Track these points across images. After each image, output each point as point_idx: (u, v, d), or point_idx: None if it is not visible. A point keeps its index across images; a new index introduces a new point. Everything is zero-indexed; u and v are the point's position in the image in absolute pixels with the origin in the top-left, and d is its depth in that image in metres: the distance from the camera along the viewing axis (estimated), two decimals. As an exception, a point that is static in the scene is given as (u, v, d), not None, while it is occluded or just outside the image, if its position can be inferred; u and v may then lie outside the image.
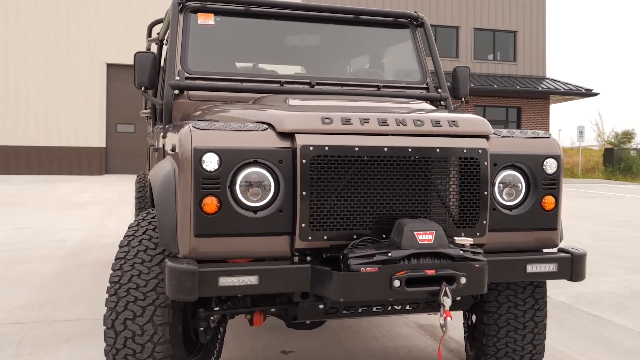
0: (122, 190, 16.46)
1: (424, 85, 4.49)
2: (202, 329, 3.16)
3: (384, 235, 2.89)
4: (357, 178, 2.86)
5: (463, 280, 2.73)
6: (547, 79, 28.98)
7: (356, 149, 2.85)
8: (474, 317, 3.64)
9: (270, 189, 2.82)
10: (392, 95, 4.21)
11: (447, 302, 2.69)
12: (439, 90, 4.49)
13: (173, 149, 3.01)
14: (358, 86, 4.30)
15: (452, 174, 2.98)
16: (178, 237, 2.79)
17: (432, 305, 3.14)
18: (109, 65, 23.35)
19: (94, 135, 23.37)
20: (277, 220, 2.81)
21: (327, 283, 2.71)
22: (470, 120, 3.09)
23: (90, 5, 23.12)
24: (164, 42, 5.74)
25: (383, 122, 2.95)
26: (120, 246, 3.10)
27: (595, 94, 28.05)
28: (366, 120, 2.93)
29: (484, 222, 3.02)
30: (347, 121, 2.90)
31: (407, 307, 3.14)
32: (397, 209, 2.91)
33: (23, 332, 4.48)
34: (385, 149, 2.88)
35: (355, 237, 2.87)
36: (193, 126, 2.81)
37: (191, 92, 4.00)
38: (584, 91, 28.08)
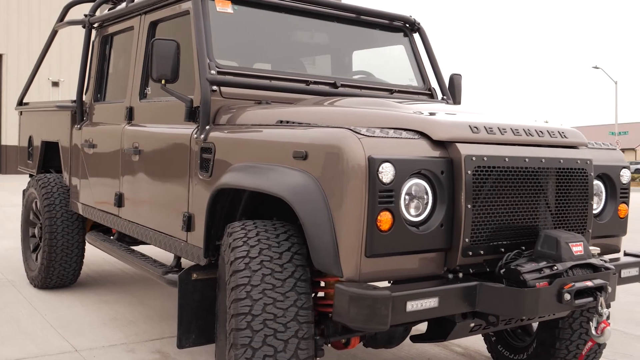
0: None
1: (428, 91, 4.49)
2: (319, 359, 2.81)
3: (522, 247, 2.84)
4: (506, 189, 2.77)
5: (609, 289, 2.79)
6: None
7: (506, 159, 2.75)
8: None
9: (428, 202, 2.61)
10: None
11: (605, 312, 2.73)
12: (444, 97, 4.52)
13: (304, 156, 2.63)
14: (374, 89, 4.15)
15: (569, 184, 3.01)
16: (341, 257, 2.46)
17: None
18: None
19: None
20: (438, 235, 2.61)
21: (503, 300, 2.58)
22: (572, 131, 3.16)
23: None
24: (95, 24, 5.00)
25: (516, 131, 2.89)
26: (237, 270, 2.64)
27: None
28: (504, 130, 2.85)
29: (589, 230, 3.12)
30: (490, 130, 2.80)
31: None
32: (535, 220, 2.87)
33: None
34: (526, 160, 2.83)
35: (502, 250, 2.77)
36: (355, 132, 2.49)
37: (224, 89, 3.52)
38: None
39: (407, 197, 2.54)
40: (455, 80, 4.57)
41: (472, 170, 2.62)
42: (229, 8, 3.78)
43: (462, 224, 2.61)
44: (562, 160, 2.96)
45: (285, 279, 2.60)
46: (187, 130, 3.54)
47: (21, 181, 17.77)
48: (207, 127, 3.38)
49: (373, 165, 2.41)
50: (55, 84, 21.58)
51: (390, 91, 4.22)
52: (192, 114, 3.47)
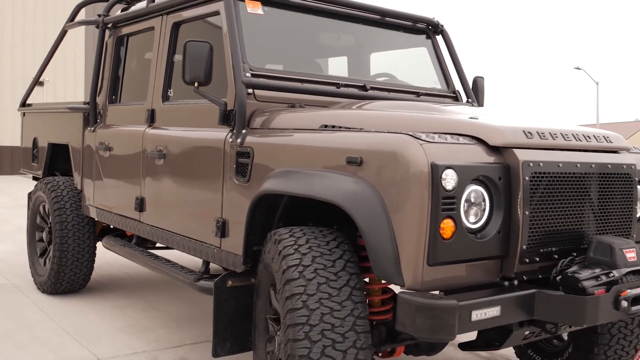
0: None
1: (453, 94, 4.45)
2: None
3: (574, 254, 2.80)
4: (559, 194, 2.73)
5: (659, 295, 2.77)
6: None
7: (559, 165, 2.72)
8: None
9: (485, 209, 2.57)
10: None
11: (658, 319, 2.71)
12: (469, 99, 4.49)
13: (358, 162, 2.57)
14: (402, 92, 4.11)
15: (615, 189, 2.99)
16: (403, 266, 2.41)
17: None
18: None
19: None
20: (496, 242, 2.57)
21: (563, 308, 2.55)
22: (616, 135, 3.14)
23: None
24: (109, 24, 4.90)
25: (566, 136, 2.87)
26: (291, 279, 2.58)
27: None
28: (555, 135, 2.82)
29: (634, 235, 3.10)
30: (543, 135, 2.76)
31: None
32: (585, 225, 2.84)
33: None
34: (578, 165, 2.80)
35: (555, 256, 2.74)
36: (416, 137, 2.44)
37: (258, 92, 3.45)
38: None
39: (466, 203, 2.49)
40: (478, 82, 4.54)
41: (529, 176, 2.59)
42: (259, 9, 3.71)
43: (519, 231, 2.57)
44: (609, 165, 2.94)
45: (340, 287, 2.55)
46: (220, 133, 3.46)
47: (5, 182, 17.47)
48: (244, 131, 3.31)
49: (436, 171, 2.36)
50: (40, 83, 21.23)
51: (417, 94, 4.18)
52: (226, 118, 3.39)
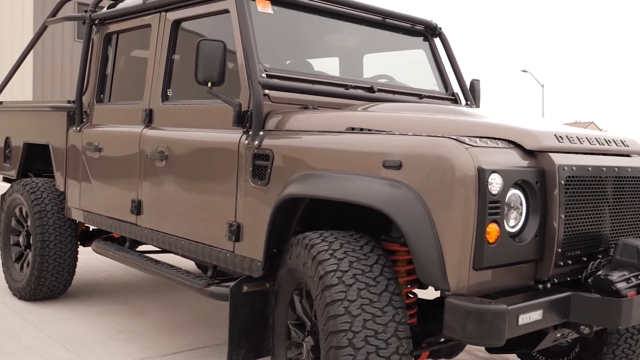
0: None
1: (452, 96, 4.47)
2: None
3: (599, 256, 2.84)
4: (588, 198, 2.77)
5: (683, 297, 2.83)
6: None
7: (589, 169, 2.76)
8: None
9: (522, 212, 2.58)
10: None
11: (681, 320, 2.77)
12: (468, 102, 4.51)
13: (397, 166, 2.54)
14: (406, 94, 4.10)
15: (634, 192, 3.04)
16: (448, 270, 2.39)
17: None
18: None
19: None
20: (533, 246, 2.58)
21: (599, 311, 2.58)
22: (631, 140, 3.21)
23: None
24: (97, 20, 4.73)
25: (591, 140, 2.91)
26: (330, 285, 2.53)
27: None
28: (582, 139, 2.86)
29: (649, 237, 3.17)
30: (572, 139, 2.79)
31: None
32: (608, 228, 2.89)
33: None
34: (604, 169, 2.84)
35: (584, 259, 2.77)
36: (460, 141, 2.43)
37: (272, 93, 3.38)
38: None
39: (506, 207, 2.50)
40: (475, 85, 4.58)
41: (564, 180, 2.61)
42: (269, 9, 3.64)
43: (555, 234, 2.59)
44: (629, 169, 3.00)
45: (380, 293, 2.51)
46: (234, 135, 3.37)
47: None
48: (261, 132, 3.23)
49: (483, 176, 2.36)
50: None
51: (420, 96, 4.17)
52: (240, 119, 3.30)
